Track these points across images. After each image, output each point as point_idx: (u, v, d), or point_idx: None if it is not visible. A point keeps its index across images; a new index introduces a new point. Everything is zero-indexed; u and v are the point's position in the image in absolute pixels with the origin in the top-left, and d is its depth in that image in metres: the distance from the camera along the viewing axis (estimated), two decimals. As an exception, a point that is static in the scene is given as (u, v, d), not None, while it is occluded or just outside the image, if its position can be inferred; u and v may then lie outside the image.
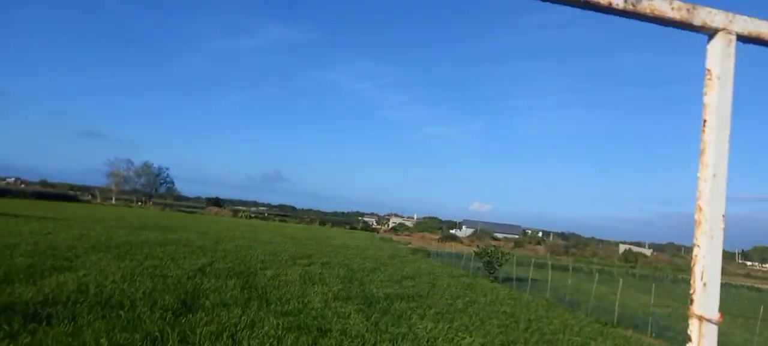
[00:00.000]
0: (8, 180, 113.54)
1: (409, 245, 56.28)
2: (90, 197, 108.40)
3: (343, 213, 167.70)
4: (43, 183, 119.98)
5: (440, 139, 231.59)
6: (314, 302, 12.54)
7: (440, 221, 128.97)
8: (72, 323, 7.86)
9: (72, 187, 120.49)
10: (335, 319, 10.75)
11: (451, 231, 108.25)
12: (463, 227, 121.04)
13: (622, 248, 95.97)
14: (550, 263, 36.22)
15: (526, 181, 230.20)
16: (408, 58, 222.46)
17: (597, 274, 29.83)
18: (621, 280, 23.93)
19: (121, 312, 8.93)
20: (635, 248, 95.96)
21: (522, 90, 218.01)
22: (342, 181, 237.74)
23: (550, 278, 24.20)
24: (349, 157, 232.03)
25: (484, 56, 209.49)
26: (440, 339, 10.23)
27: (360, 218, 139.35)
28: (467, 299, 17.03)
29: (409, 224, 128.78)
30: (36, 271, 12.22)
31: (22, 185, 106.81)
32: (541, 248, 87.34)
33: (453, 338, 10.48)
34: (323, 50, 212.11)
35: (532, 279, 24.69)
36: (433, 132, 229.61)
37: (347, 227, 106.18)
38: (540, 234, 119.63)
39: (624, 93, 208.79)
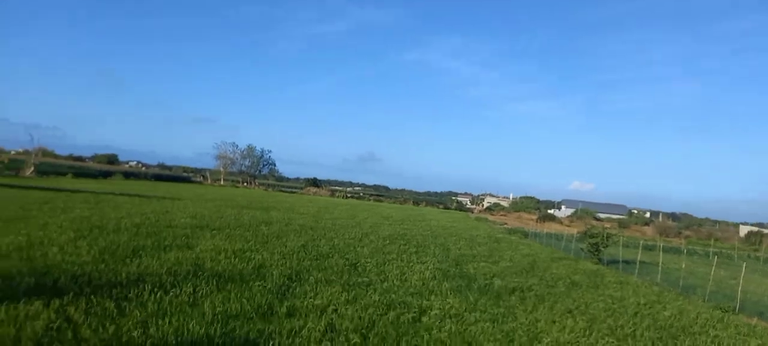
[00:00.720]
0: (131, 164, 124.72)
1: (505, 225, 55.14)
2: (201, 178, 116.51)
3: (436, 193, 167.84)
4: (161, 166, 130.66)
5: (536, 116, 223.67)
6: (412, 280, 12.66)
7: (538, 200, 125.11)
8: (192, 294, 8.51)
9: (185, 169, 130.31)
10: (434, 297, 10.78)
11: (549, 211, 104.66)
12: (563, 206, 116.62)
13: (743, 229, 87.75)
14: (660, 244, 33.93)
15: (631, 158, 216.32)
16: (500, 33, 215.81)
17: (715, 257, 27.51)
18: (744, 264, 21.93)
19: (233, 285, 9.53)
20: (762, 229, 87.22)
21: (625, 61, 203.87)
22: (435, 160, 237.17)
23: (660, 261, 22.70)
24: (441, 136, 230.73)
25: (583, 26, 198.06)
26: (542, 321, 9.93)
27: (454, 197, 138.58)
28: (569, 281, 16.41)
29: (504, 203, 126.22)
30: (159, 246, 13.35)
31: (143, 168, 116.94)
32: (648, 229, 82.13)
33: (555, 321, 10.14)
34: (413, 29, 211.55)
35: (640, 262, 23.28)
36: (529, 108, 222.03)
37: (441, 206, 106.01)
38: (647, 215, 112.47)
39: (741, 61, 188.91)
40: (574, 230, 45.42)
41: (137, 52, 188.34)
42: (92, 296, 7.65)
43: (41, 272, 9.06)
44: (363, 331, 7.70)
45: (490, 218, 75.87)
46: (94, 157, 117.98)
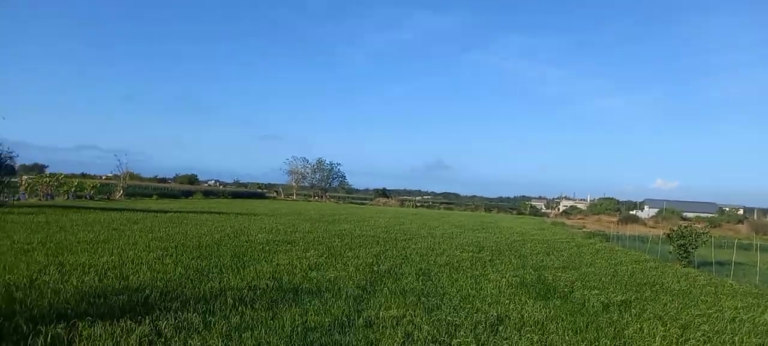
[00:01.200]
0: (209, 183, 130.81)
1: (584, 229, 53.05)
2: (275, 193, 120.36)
3: (508, 198, 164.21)
4: (237, 183, 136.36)
5: (611, 113, 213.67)
6: (488, 289, 12.40)
7: (617, 201, 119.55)
8: (271, 308, 8.74)
9: (259, 185, 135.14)
10: (512, 306, 10.49)
11: (630, 212, 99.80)
12: (645, 207, 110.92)
13: None
14: (757, 243, 31.47)
15: (719, 152, 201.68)
16: (567, 27, 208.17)
17: (822, 256, 25.17)
18: None
19: (311, 298, 9.70)
20: None
21: (708, 47, 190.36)
22: (506, 165, 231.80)
23: (758, 261, 21.02)
24: (511, 140, 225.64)
25: (658, 13, 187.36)
26: (630, 330, 9.41)
27: (527, 202, 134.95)
28: (657, 286, 15.50)
29: (582, 206, 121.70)
30: (239, 262, 13.85)
31: (221, 186, 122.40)
32: (742, 227, 76.35)
33: (644, 329, 9.58)
34: (476, 33, 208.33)
35: (735, 263, 21.65)
36: (602, 105, 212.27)
37: (514, 212, 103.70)
38: (740, 212, 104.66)
39: None
40: (660, 231, 42.99)
41: (211, 75, 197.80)
42: (179, 311, 8.03)
43: (133, 288, 9.62)
44: (441, 341, 7.60)
45: (567, 222, 73.27)
46: (176, 178, 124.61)
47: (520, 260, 18.84)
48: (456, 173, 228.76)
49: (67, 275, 10.55)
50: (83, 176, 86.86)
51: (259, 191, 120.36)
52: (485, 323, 8.88)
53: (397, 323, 8.41)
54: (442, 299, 10.68)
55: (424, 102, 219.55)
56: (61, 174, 57.09)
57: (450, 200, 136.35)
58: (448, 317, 9.06)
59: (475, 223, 47.74)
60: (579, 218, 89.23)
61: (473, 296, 11.26)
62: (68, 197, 49.37)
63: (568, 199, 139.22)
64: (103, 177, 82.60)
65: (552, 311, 10.35)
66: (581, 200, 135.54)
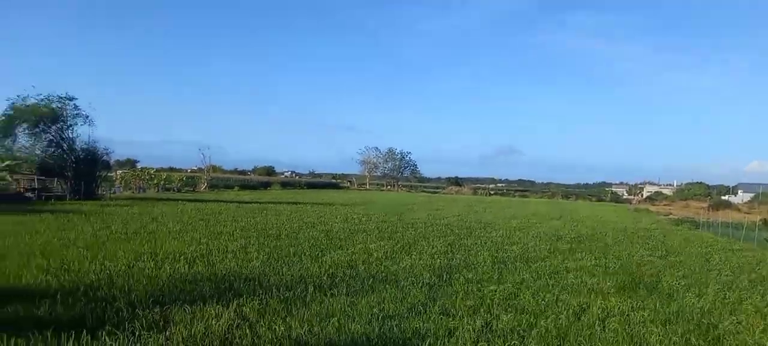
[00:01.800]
0: (286, 174, 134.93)
1: (671, 216, 50.13)
2: (348, 183, 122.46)
3: (587, 185, 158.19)
4: (312, 174, 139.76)
5: (697, 90, 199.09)
6: (568, 278, 12.02)
7: (707, 186, 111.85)
8: (348, 295, 8.93)
9: (334, 176, 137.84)
10: (593, 296, 10.12)
11: (722, 197, 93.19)
12: (739, 191, 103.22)
13: None
14: None
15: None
16: (640, 2, 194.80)
17: None
18: None
19: (387, 286, 9.81)
20: None
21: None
22: (583, 150, 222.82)
23: None
24: (588, 123, 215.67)
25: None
26: (726, 322, 8.81)
27: (608, 189, 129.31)
28: (754, 275, 14.41)
29: (667, 192, 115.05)
30: (317, 250, 14.24)
31: (297, 177, 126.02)
32: None
33: (740, 321, 8.93)
34: (546, 12, 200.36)
35: None
36: (687, 81, 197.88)
37: (594, 199, 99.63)
38: None
39: None
40: (756, 218, 39.91)
41: (284, 70, 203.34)
42: (263, 297, 8.37)
43: (221, 276, 10.14)
44: (520, 331, 7.47)
45: (652, 208, 69.46)
46: (255, 170, 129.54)
47: (602, 249, 18.11)
48: (529, 159, 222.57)
49: (160, 263, 11.28)
50: (170, 169, 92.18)
51: (333, 181, 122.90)
52: (566, 312, 8.62)
53: (474, 312, 8.34)
54: (521, 287, 10.47)
55: (493, 87, 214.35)
56: (151, 168, 61.05)
57: (525, 187, 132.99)
58: (527, 307, 8.87)
59: (553, 211, 46.37)
60: (664, 205, 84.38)
61: (552, 286, 10.95)
62: (158, 190, 52.67)
63: (652, 184, 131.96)
64: (189, 170, 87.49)
65: (637, 302, 9.88)
66: (666, 185, 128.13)
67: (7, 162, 32.89)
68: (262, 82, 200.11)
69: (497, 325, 7.67)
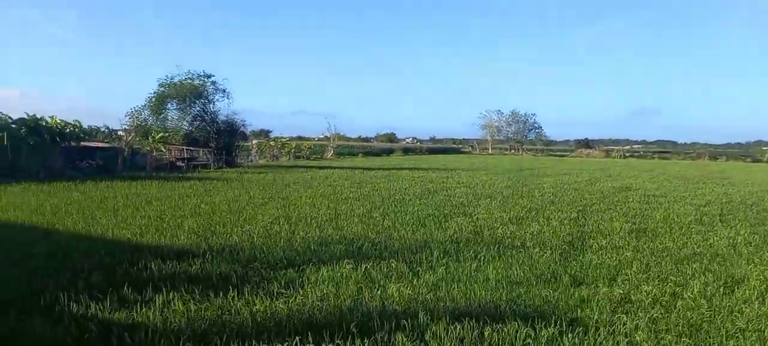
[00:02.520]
0: (407, 140, 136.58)
1: None
2: (470, 148, 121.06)
3: (738, 145, 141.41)
4: (433, 140, 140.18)
5: None
6: (719, 245, 10.84)
7: None
8: (475, 260, 8.81)
9: (455, 141, 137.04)
10: (751, 267, 9.01)
11: None
12: None
13: None
14: None
15: None
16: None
17: None
18: None
19: (514, 252, 9.54)
20: None
21: None
22: (732, 106, 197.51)
23: None
24: (739, 75, 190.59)
25: None
26: None
27: (765, 147, 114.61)
28: None
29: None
30: (440, 215, 14.24)
31: (418, 143, 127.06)
32: None
33: None
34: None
35: None
36: None
37: (748, 159, 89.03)
38: None
39: None
40: None
41: (401, 35, 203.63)
42: (390, 260, 8.54)
43: (349, 239, 10.52)
44: (663, 302, 6.87)
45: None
46: (377, 137, 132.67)
47: (760, 216, 16.09)
48: (670, 119, 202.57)
49: (293, 226, 11.98)
50: (300, 138, 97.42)
51: (454, 146, 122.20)
52: (715, 283, 7.78)
53: (610, 281, 7.83)
54: (663, 256, 9.64)
55: (626, 40, 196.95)
56: (283, 138, 64.98)
57: (665, 149, 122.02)
58: (671, 277, 8.14)
59: (698, 173, 42.14)
60: (840, 165, 72.94)
61: (701, 255, 9.94)
62: (289, 158, 56.05)
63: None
64: (316, 139, 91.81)
65: (808, 276, 8.64)
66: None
67: (161, 135, 36.84)
68: (381, 51, 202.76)
69: (636, 295, 7.12)
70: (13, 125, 25.95)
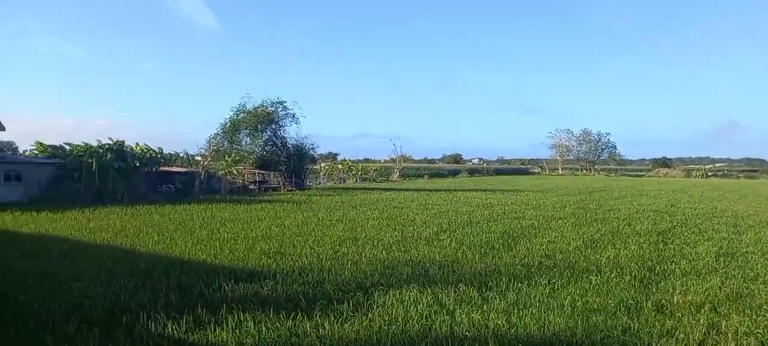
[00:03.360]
0: (473, 161, 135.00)
1: None
2: (538, 169, 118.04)
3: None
4: (501, 160, 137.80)
5: None
6: (821, 274, 9.89)
7: None
8: (548, 285, 8.48)
9: (523, 161, 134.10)
10: None
11: None
12: None
13: None
14: None
15: None
16: None
17: None
18: None
19: (591, 277, 9.10)
20: None
21: None
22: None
23: None
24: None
25: None
26: None
27: None
28: None
29: None
30: (509, 238, 13.88)
31: (485, 164, 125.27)
32: None
33: None
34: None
35: None
36: None
37: None
38: None
39: None
40: None
41: (466, 54, 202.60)
42: (458, 284, 8.37)
43: (416, 261, 10.44)
44: (757, 334, 6.31)
45: None
46: (443, 158, 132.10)
47: None
48: (757, 135, 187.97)
49: (360, 248, 12.04)
50: (366, 160, 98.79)
51: (523, 166, 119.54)
52: (822, 317, 7.07)
53: (697, 310, 7.29)
54: (755, 283, 8.90)
55: (706, 53, 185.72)
56: (350, 160, 66.01)
57: (752, 167, 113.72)
58: (765, 306, 7.48)
59: (792, 193, 38.92)
60: None
61: (800, 283, 9.10)
62: (356, 180, 56.75)
63: None
64: (382, 161, 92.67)
65: None
66: None
67: (234, 158, 38.40)
68: (446, 71, 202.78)
69: (726, 325, 6.59)
70: (101, 151, 27.83)
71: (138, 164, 29.42)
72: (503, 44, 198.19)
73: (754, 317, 7.00)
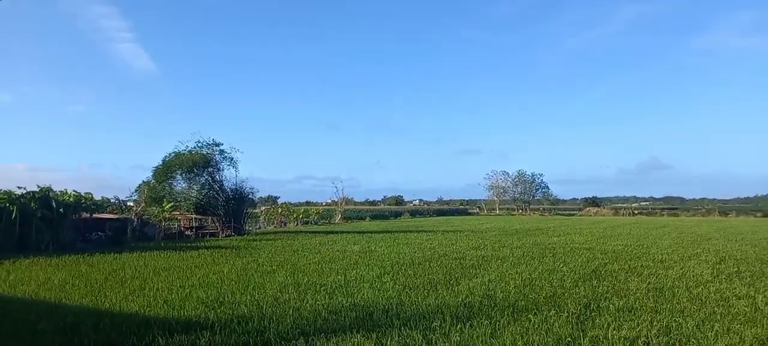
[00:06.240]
0: (414, 202, 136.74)
1: None
2: (477, 209, 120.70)
3: (747, 198, 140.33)
4: (440, 201, 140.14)
5: None
6: (737, 305, 10.54)
7: None
8: (490, 325, 8.58)
9: (462, 202, 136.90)
10: (775, 327, 8.73)
11: None
12: None
13: None
14: None
15: None
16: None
17: None
18: None
19: (530, 316, 9.29)
20: None
21: None
22: (743, 160, 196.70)
23: None
24: (748, 131, 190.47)
25: None
26: None
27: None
28: None
29: None
30: (451, 278, 14.02)
31: (425, 205, 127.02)
32: None
33: None
34: (692, 15, 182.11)
35: None
36: None
37: (758, 214, 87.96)
38: None
39: None
40: None
41: (404, 97, 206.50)
42: (402, 329, 8.33)
43: (360, 306, 10.32)
44: (688, 368, 6.62)
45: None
46: (384, 200, 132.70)
47: (778, 271, 15.74)
48: (676, 173, 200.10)
49: (302, 294, 11.80)
50: (307, 203, 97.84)
51: (462, 207, 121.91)
52: (740, 345, 7.52)
53: (630, 345, 7.57)
54: (683, 317, 9.37)
55: (633, 98, 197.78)
56: (291, 203, 65.14)
57: (673, 205, 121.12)
58: (693, 339, 7.88)
59: (710, 229, 41.67)
60: None
61: (721, 315, 9.66)
62: (297, 223, 55.91)
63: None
64: (324, 203, 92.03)
65: (836, 334, 8.34)
66: None
67: (170, 204, 36.98)
68: (384, 113, 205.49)
69: (659, 360, 6.87)
70: (23, 199, 26.13)
71: (64, 211, 27.78)
72: (440, 86, 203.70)
73: (682, 349, 7.34)
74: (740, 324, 8.89)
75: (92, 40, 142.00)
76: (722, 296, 11.52)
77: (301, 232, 40.70)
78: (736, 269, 16.25)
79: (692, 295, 11.69)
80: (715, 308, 10.23)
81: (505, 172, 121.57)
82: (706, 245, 25.62)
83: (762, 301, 10.99)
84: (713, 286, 12.89)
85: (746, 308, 10.26)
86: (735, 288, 12.63)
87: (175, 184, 39.11)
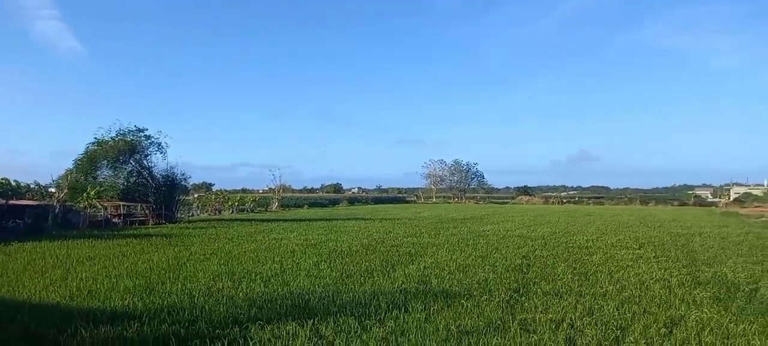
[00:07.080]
0: (353, 190, 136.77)
1: (764, 218, 46.48)
2: (415, 197, 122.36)
3: (666, 189, 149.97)
4: (379, 189, 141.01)
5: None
6: (654, 288, 11.28)
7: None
8: (424, 311, 8.75)
9: (400, 190, 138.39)
10: (685, 307, 9.41)
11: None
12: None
13: None
14: None
15: None
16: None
17: None
18: None
19: (463, 301, 9.55)
20: None
21: None
22: (662, 153, 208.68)
23: None
24: (668, 126, 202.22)
25: None
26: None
27: (690, 192, 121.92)
28: None
29: (758, 192, 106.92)
30: (387, 265, 14.18)
31: (363, 193, 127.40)
32: None
33: None
34: (626, 11, 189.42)
35: None
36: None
37: (675, 203, 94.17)
38: None
39: None
40: None
41: (347, 86, 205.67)
42: (338, 315, 8.35)
43: (295, 294, 10.26)
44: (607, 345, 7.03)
45: (742, 211, 64.51)
46: (322, 188, 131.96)
47: (690, 256, 16.95)
48: (604, 165, 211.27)
49: (237, 282, 11.58)
50: (243, 190, 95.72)
51: (400, 195, 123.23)
52: (656, 325, 8.05)
53: (556, 326, 7.94)
54: (604, 299, 9.92)
55: (566, 91, 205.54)
56: (226, 191, 63.50)
57: (599, 195, 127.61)
58: (613, 320, 8.36)
59: (631, 218, 44.19)
60: (756, 207, 78.33)
61: (639, 297, 10.30)
62: (232, 211, 54.64)
63: (740, 185, 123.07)
64: (260, 191, 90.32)
65: (735, 313, 9.09)
66: (756, 185, 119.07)
67: (95, 191, 35.13)
68: (327, 103, 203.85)
69: (581, 340, 7.25)
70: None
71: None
72: (386, 78, 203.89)
73: (604, 330, 7.77)
74: (656, 306, 9.52)
75: (12, 17, 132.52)
76: (641, 280, 12.28)
77: (236, 220, 39.84)
78: (653, 254, 17.35)
79: (613, 279, 12.39)
80: (634, 291, 10.89)
81: (442, 161, 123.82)
82: (628, 232, 27.19)
83: (676, 283, 11.80)
84: (633, 270, 13.72)
85: (662, 291, 10.97)
86: (653, 272, 13.48)
87: (100, 173, 37.08)
